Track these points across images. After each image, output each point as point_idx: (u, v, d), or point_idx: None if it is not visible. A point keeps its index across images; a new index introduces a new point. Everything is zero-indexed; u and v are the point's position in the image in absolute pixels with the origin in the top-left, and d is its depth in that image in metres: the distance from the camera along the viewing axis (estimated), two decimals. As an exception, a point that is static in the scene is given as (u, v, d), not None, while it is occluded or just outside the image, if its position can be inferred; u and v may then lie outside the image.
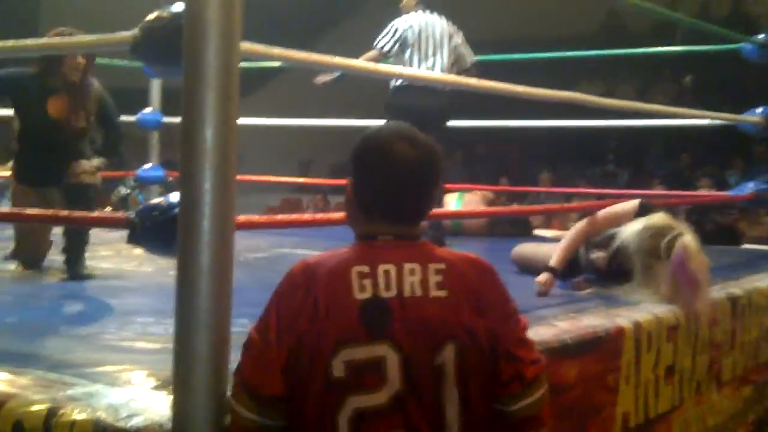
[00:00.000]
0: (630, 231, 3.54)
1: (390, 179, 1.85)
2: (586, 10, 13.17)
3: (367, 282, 1.79)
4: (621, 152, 11.72)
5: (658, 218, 3.52)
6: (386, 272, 1.80)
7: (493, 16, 12.88)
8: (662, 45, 7.86)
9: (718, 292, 3.79)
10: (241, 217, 2.30)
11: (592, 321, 3.03)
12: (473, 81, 3.71)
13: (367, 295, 1.78)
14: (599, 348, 2.92)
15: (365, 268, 1.80)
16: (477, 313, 1.82)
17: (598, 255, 3.76)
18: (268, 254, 4.81)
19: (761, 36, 5.79)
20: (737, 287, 4.03)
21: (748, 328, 4.00)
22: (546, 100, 3.90)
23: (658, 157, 11.88)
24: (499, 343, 1.84)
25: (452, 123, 5.49)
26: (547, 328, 2.83)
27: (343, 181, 4.36)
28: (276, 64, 5.81)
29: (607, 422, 2.99)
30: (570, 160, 11.94)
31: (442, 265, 1.83)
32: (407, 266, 1.81)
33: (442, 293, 1.81)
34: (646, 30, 12.49)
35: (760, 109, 5.66)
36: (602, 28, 13.71)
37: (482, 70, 5.42)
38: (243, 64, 1.96)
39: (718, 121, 6.16)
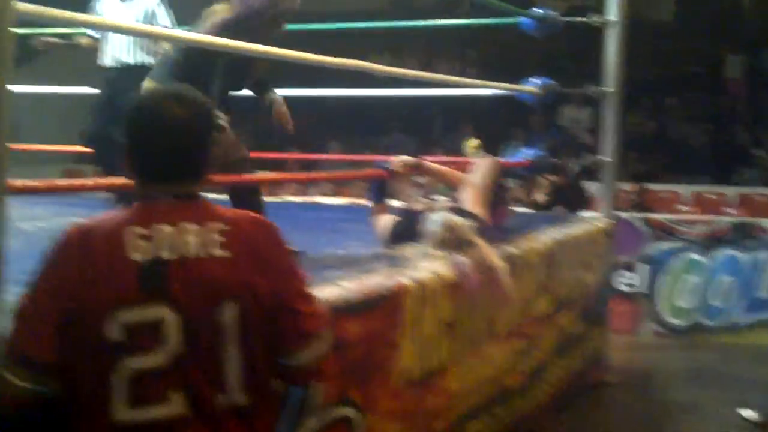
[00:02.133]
0: (436, 217, 3.69)
1: (157, 137, 1.84)
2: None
3: (144, 243, 1.77)
4: (408, 123, 12.00)
5: (459, 220, 3.67)
6: (164, 232, 1.78)
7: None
8: (447, 19, 8.09)
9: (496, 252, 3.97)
10: (17, 182, 2.23)
11: (376, 280, 3.10)
12: (260, 47, 3.70)
13: (144, 255, 1.76)
14: (382, 306, 3.00)
15: (142, 229, 1.78)
16: (259, 271, 1.82)
17: None
18: (47, 223, 4.64)
19: (538, 10, 6.06)
20: (514, 247, 4.25)
21: (524, 286, 4.23)
22: (337, 67, 3.93)
23: (441, 128, 12.25)
24: (282, 299, 1.84)
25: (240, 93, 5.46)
26: (333, 288, 2.87)
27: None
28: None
29: (390, 377, 3.08)
30: (359, 132, 12.12)
31: (223, 225, 1.83)
32: (186, 226, 1.80)
33: (224, 253, 1.80)
34: (432, 5, 12.83)
35: (537, 80, 5.94)
36: (390, 3, 13.95)
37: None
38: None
39: (498, 92, 6.41)
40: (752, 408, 4.95)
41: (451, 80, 5.78)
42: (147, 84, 3.69)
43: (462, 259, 3.47)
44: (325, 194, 9.21)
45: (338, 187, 9.59)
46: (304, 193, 8.66)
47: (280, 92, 4.20)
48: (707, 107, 11.16)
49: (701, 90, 11.51)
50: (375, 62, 4.31)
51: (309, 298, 1.93)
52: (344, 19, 7.48)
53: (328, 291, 2.78)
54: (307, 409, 2.55)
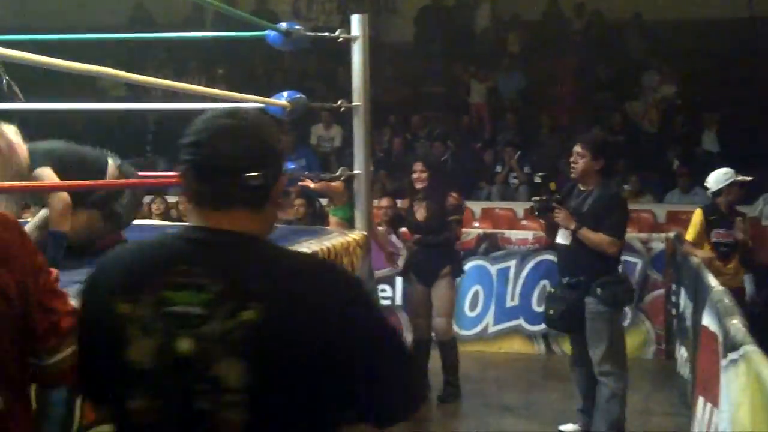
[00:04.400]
0: None
1: None
2: (113, 1, 13.13)
3: None
4: (158, 141, 11.81)
5: None
6: None
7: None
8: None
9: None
10: None
11: None
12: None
13: None
14: None
15: None
16: (4, 266, 1.74)
17: None
18: None
19: (283, 24, 6.15)
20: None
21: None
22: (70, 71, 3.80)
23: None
24: (32, 296, 1.77)
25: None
26: None
27: None
28: None
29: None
30: (111, 150, 11.79)
31: None
32: None
33: None
34: (176, 22, 12.73)
35: (285, 93, 6.00)
36: (130, 21, 13.72)
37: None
38: None
39: (246, 105, 6.43)
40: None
41: (197, 91, 5.71)
42: None
43: None
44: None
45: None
46: None
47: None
48: (450, 126, 11.72)
49: (444, 110, 12.08)
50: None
51: (61, 295, 1.86)
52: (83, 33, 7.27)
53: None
54: (71, 415, 2.47)
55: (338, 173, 6.88)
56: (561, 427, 5.40)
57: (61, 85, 7.88)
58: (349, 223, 6.67)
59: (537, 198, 5.33)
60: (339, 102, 6.39)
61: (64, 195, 3.80)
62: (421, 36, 13.15)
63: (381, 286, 7.76)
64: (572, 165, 5.02)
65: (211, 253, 1.61)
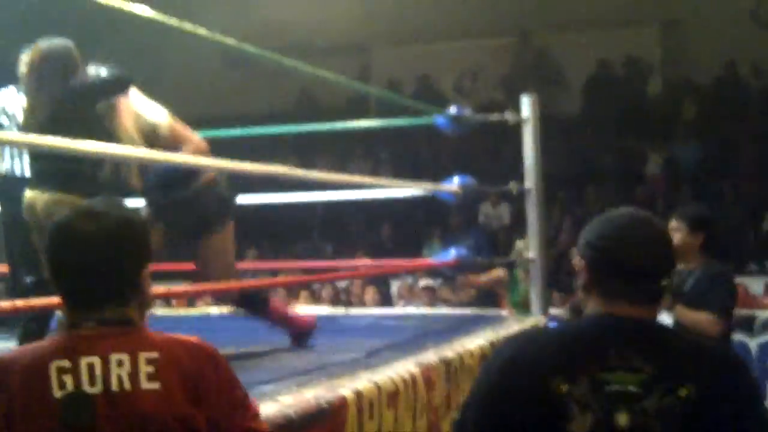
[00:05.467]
0: None
1: (65, 258, 1.70)
2: (279, 86, 13.39)
3: (68, 377, 1.63)
4: (324, 226, 11.88)
5: None
6: (90, 365, 1.64)
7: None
8: (357, 119, 8.03)
9: (432, 356, 3.84)
10: None
11: (315, 393, 2.96)
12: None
13: (65, 391, 1.61)
14: (323, 420, 2.85)
15: (66, 363, 1.63)
16: (194, 402, 1.68)
17: None
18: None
19: (452, 108, 6.04)
20: (450, 350, 4.08)
21: (461, 389, 4.06)
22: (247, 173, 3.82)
23: (360, 229, 12.15)
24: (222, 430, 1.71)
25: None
26: (271, 404, 2.72)
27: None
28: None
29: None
30: (275, 237, 11.94)
31: (155, 354, 1.69)
32: (114, 357, 1.66)
33: (154, 385, 1.67)
34: (340, 105, 12.87)
35: (456, 179, 5.86)
36: (296, 106, 13.98)
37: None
38: None
39: (416, 192, 6.33)
40: None
41: (369, 182, 5.66)
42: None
43: None
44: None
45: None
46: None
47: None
48: (624, 200, 11.29)
49: (617, 182, 11.66)
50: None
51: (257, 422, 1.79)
52: (250, 122, 7.34)
53: (264, 408, 2.58)
54: None
55: (512, 256, 6.66)
56: None
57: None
58: (516, 308, 6.42)
59: None
60: (510, 184, 6.21)
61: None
62: (590, 107, 12.79)
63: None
64: None
65: (636, 338, 1.86)
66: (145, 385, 1.66)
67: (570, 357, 1.85)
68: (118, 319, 1.70)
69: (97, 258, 1.68)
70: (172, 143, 3.83)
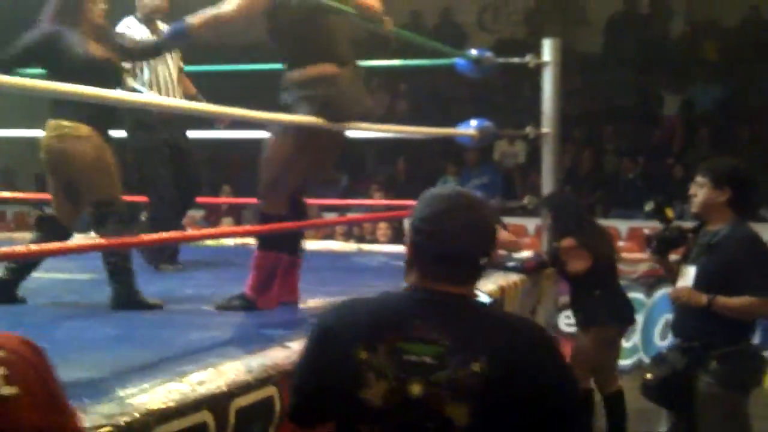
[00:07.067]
0: None
1: None
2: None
3: None
4: (340, 158, 11.85)
5: None
6: None
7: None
8: (377, 53, 7.96)
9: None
10: None
11: None
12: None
13: None
14: None
15: None
16: (52, 408, 1.44)
17: None
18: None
19: (474, 51, 6.01)
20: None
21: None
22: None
23: (374, 162, 12.15)
24: None
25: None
26: (279, 350, 2.79)
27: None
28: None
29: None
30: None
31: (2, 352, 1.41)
32: None
33: (11, 390, 1.37)
34: (360, 39, 12.70)
35: (474, 122, 5.87)
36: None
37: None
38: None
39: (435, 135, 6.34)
40: None
41: (386, 128, 5.65)
42: None
43: None
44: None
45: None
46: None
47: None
48: (641, 140, 11.23)
49: (634, 122, 11.56)
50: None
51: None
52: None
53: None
54: None
55: (525, 201, 6.68)
56: None
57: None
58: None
59: (655, 234, 4.26)
60: (527, 128, 6.22)
61: None
62: (612, 45, 12.63)
63: (566, 312, 7.51)
64: (692, 198, 3.94)
65: (440, 311, 1.90)
66: (2, 390, 1.36)
67: (375, 326, 1.90)
68: None
69: None
70: None
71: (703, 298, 3.75)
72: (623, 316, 5.25)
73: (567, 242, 5.30)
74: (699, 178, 3.86)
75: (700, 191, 3.85)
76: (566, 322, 7.59)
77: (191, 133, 5.47)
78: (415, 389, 1.84)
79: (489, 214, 2.02)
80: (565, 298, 7.12)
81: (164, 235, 4.22)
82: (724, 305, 3.72)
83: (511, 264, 5.38)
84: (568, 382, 1.99)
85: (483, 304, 2.01)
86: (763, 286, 3.69)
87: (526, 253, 5.89)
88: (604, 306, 5.21)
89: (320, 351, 1.99)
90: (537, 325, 2.14)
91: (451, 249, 1.91)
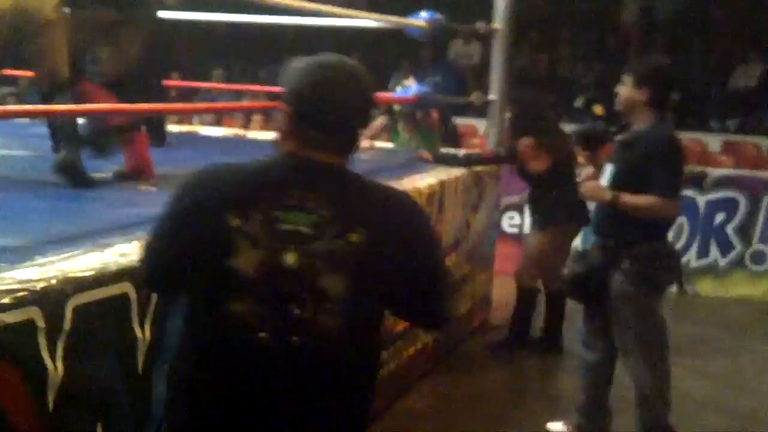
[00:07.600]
0: None
1: None
2: None
3: None
4: (294, 51, 11.69)
5: None
6: None
7: None
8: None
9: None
10: None
11: None
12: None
13: None
14: None
15: None
16: None
17: None
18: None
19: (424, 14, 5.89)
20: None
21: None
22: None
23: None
24: None
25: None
26: None
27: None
28: None
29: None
30: (244, 58, 11.80)
31: None
32: None
33: None
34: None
35: (424, 13, 5.79)
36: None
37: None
38: None
39: (384, 25, 6.26)
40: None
41: (338, 12, 5.58)
42: None
43: None
44: (208, 124, 8.94)
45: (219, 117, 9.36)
46: (184, 122, 8.37)
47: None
48: (597, 46, 11.19)
49: (592, 29, 11.50)
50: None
51: None
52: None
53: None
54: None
55: (472, 97, 6.68)
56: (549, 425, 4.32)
57: None
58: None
59: (579, 128, 4.43)
60: (477, 24, 6.16)
61: None
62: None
63: (509, 214, 7.60)
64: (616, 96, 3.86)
65: (319, 182, 1.86)
66: None
67: (248, 193, 1.84)
68: None
69: None
70: None
71: (607, 194, 3.73)
72: (580, 216, 5.28)
73: (527, 142, 5.30)
74: (624, 77, 3.79)
75: (622, 89, 3.79)
76: (509, 222, 7.70)
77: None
78: (290, 259, 1.81)
79: (371, 84, 1.94)
80: (508, 200, 7.22)
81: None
82: (627, 203, 3.69)
83: (453, 155, 5.38)
84: (437, 250, 2.11)
85: (359, 175, 1.94)
86: (668, 186, 3.67)
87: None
88: (562, 206, 5.24)
89: (185, 214, 1.90)
90: (411, 197, 2.13)
91: (336, 117, 1.87)
